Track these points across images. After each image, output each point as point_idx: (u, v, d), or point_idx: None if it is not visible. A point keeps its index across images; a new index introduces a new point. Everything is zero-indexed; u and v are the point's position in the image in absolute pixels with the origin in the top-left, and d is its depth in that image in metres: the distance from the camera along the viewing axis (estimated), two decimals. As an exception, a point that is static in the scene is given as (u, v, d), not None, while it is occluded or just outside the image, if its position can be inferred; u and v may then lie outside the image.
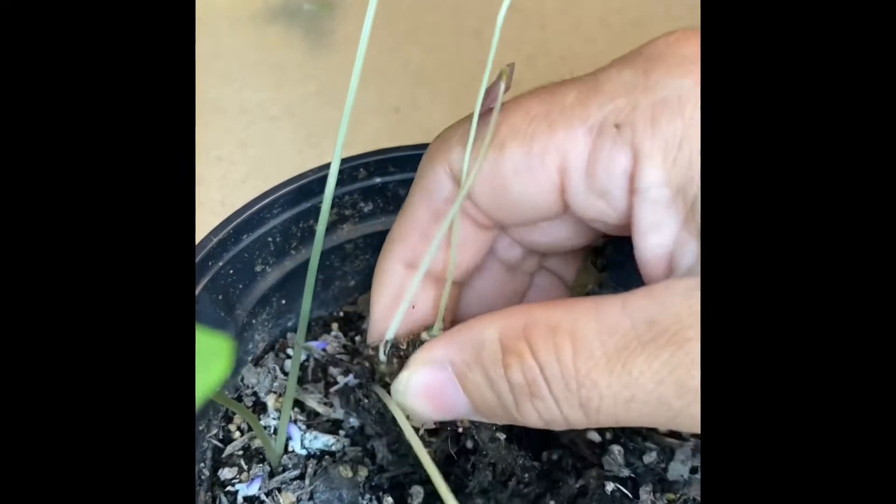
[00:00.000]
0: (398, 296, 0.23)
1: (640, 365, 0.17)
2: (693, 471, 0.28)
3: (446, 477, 0.23)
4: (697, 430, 0.17)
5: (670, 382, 0.17)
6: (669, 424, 0.18)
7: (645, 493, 0.27)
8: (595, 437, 0.29)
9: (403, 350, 0.24)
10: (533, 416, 0.19)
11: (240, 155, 0.54)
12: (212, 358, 0.12)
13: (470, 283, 0.25)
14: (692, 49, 0.18)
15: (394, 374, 0.22)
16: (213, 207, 0.51)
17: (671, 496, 0.28)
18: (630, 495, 0.27)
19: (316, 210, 0.30)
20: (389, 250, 0.23)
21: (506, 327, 0.19)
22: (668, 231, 0.19)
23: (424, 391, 0.20)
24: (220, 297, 0.29)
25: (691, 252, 0.18)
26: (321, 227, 0.27)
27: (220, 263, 0.29)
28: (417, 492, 0.28)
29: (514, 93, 0.21)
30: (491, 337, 0.19)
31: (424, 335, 0.23)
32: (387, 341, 0.24)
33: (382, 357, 0.24)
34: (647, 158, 0.18)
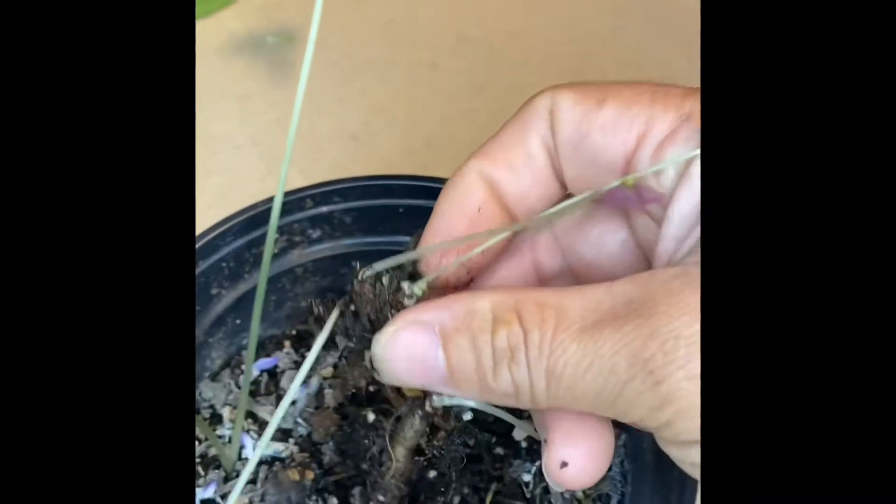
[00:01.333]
0: (464, 208, 0.23)
1: (605, 335, 0.18)
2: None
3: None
4: (634, 418, 0.18)
5: (624, 353, 0.17)
6: (612, 408, 0.18)
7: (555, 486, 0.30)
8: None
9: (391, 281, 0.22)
10: (506, 382, 0.19)
11: (205, 182, 0.56)
12: None
13: (498, 271, 0.24)
14: None
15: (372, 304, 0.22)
16: (179, 232, 0.53)
17: (586, 492, 0.31)
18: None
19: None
20: (475, 157, 0.23)
21: (498, 301, 0.19)
22: (687, 223, 0.20)
23: (405, 350, 0.20)
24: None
25: (689, 245, 0.19)
26: (267, 252, 0.30)
27: (178, 287, 0.32)
28: (359, 493, 0.31)
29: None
30: (483, 307, 0.19)
31: (406, 286, 0.22)
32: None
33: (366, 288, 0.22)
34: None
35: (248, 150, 0.58)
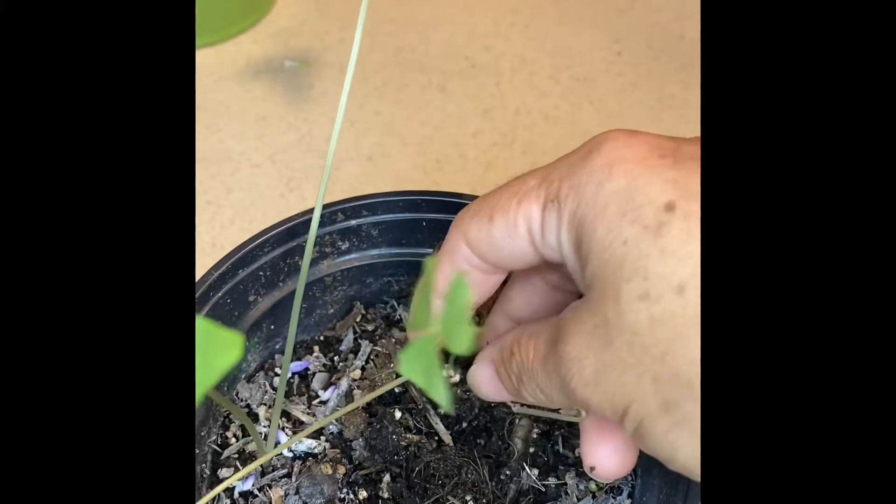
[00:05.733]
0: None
1: (546, 363, 0.25)
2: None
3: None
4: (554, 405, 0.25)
5: (553, 375, 0.24)
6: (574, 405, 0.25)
7: (570, 479, 0.33)
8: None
9: None
10: (527, 394, 0.27)
11: (226, 199, 0.59)
12: (228, 345, 0.17)
13: (523, 292, 0.31)
14: (611, 144, 0.24)
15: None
16: (202, 248, 0.56)
17: (599, 484, 0.33)
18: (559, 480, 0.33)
19: (301, 248, 0.36)
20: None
21: (512, 337, 0.27)
22: (572, 262, 0.25)
23: (481, 379, 0.28)
24: (220, 322, 0.34)
25: (583, 278, 0.24)
26: (306, 261, 0.32)
27: (220, 294, 0.34)
28: (387, 484, 0.33)
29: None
30: (505, 343, 0.27)
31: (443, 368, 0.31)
32: None
33: None
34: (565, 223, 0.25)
35: (267, 168, 0.61)
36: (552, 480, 0.33)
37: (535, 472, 0.33)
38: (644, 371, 0.21)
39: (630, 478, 0.34)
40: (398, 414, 0.35)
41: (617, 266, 0.22)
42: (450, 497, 0.32)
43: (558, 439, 0.35)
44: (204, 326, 0.16)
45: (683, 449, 0.21)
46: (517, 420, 0.34)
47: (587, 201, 0.23)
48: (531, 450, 0.34)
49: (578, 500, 0.33)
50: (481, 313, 0.31)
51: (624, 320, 0.21)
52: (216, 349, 0.16)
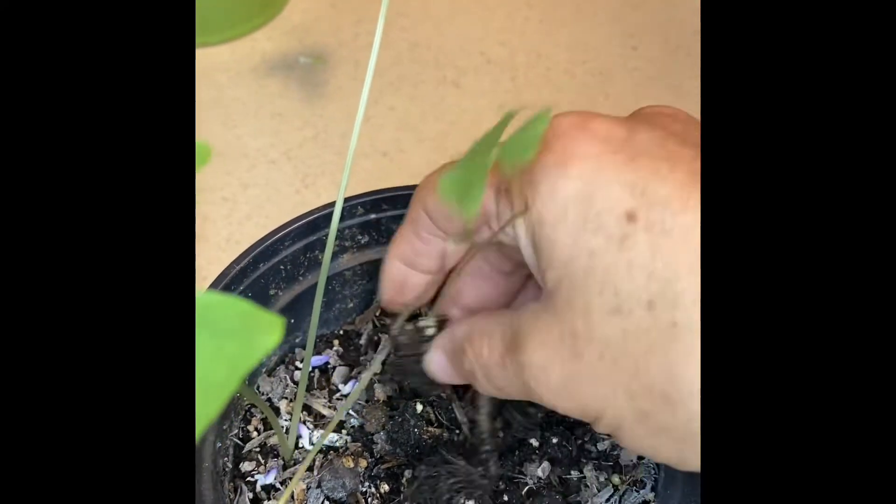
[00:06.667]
0: (397, 282, 0.31)
1: (507, 364, 0.25)
2: (640, 457, 0.34)
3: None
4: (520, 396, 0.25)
5: (514, 376, 0.25)
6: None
7: (588, 471, 0.32)
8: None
9: (413, 326, 0.31)
10: (482, 389, 0.27)
11: (242, 195, 0.59)
12: (268, 327, 0.16)
13: (472, 279, 0.32)
14: (562, 141, 0.24)
15: (407, 344, 0.31)
16: (219, 243, 0.56)
17: (622, 477, 0.33)
18: (580, 474, 0.33)
19: (321, 242, 0.36)
20: (391, 250, 0.31)
21: (463, 332, 0.27)
22: (532, 261, 0.25)
23: (437, 366, 0.29)
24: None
25: (544, 281, 0.24)
26: (327, 255, 0.32)
27: (241, 288, 0.34)
28: (409, 477, 0.33)
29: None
30: (456, 338, 0.27)
31: (421, 322, 0.31)
32: (400, 325, 0.31)
33: (401, 336, 0.31)
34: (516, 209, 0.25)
35: (282, 164, 0.61)
36: (574, 474, 0.33)
37: (545, 471, 0.33)
38: (617, 382, 0.22)
39: (653, 471, 0.34)
40: (419, 407, 0.35)
41: (584, 277, 0.22)
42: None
43: (583, 434, 0.34)
44: (244, 308, 0.16)
45: (663, 451, 0.22)
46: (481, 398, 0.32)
47: (543, 200, 0.23)
48: (553, 440, 0.34)
49: (598, 491, 0.32)
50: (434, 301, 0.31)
51: (594, 333, 0.22)
52: (256, 331, 0.16)
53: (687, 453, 0.22)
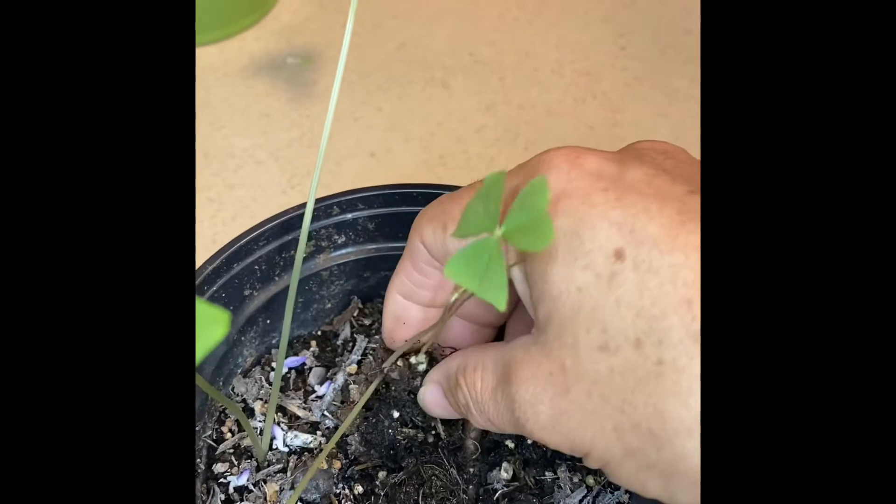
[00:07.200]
0: (396, 315, 0.32)
1: (497, 398, 0.25)
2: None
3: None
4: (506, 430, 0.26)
5: (504, 409, 0.25)
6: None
7: (562, 472, 0.32)
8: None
9: (405, 363, 0.32)
10: (476, 422, 0.27)
11: (228, 196, 0.59)
12: (213, 322, 0.16)
13: (452, 323, 0.32)
14: (554, 175, 0.24)
15: (398, 380, 0.31)
16: (205, 243, 0.56)
17: (596, 479, 0.33)
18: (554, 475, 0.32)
19: (296, 242, 0.36)
20: (392, 283, 0.31)
21: (457, 365, 0.27)
22: (525, 294, 0.25)
23: (431, 400, 0.30)
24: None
25: (535, 316, 0.24)
26: (299, 255, 0.32)
27: (214, 288, 0.34)
28: (382, 479, 0.33)
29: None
30: (451, 371, 0.28)
31: (413, 359, 0.31)
32: (394, 359, 0.31)
33: (392, 372, 0.32)
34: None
35: (269, 165, 0.61)
36: (549, 475, 0.33)
37: (509, 472, 0.33)
38: (605, 419, 0.22)
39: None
40: (396, 413, 0.34)
41: (572, 313, 0.22)
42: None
43: None
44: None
45: (651, 487, 0.22)
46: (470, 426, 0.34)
47: None
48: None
49: (571, 492, 0.32)
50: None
51: (582, 369, 0.22)
52: (200, 326, 0.16)
53: (673, 489, 0.22)
